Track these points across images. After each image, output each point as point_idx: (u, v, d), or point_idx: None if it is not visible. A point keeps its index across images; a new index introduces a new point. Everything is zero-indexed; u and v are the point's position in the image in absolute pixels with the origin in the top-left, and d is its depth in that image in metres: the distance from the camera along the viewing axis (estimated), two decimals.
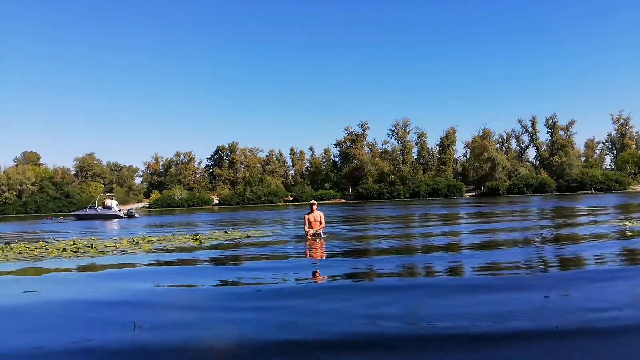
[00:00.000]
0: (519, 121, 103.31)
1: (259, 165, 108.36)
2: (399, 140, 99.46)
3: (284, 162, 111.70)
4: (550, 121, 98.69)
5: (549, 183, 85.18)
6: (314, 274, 6.78)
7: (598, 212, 20.56)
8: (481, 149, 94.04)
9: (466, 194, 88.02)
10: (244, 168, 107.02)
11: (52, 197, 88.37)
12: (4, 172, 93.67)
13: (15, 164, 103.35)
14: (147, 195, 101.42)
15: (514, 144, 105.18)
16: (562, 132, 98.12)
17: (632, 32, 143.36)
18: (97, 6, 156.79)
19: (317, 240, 11.00)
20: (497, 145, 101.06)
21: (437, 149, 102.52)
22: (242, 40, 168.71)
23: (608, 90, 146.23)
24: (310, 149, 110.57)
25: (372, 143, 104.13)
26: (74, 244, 12.68)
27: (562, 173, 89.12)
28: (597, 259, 6.99)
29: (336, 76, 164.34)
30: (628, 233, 10.31)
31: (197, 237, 13.39)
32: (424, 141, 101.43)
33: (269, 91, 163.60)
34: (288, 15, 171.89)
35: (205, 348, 3.52)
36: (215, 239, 12.69)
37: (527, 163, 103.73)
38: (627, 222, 12.93)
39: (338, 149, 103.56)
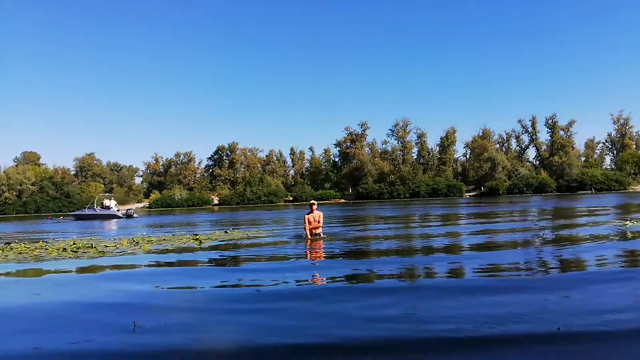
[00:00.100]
0: (519, 121, 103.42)
1: (259, 165, 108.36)
2: (399, 140, 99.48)
3: (284, 162, 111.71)
4: (550, 121, 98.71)
5: (549, 183, 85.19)
6: (314, 275, 6.77)
7: (598, 212, 20.55)
8: (481, 149, 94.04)
9: (466, 194, 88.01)
10: (244, 168, 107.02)
11: (52, 197, 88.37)
12: (4, 172, 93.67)
13: (15, 164, 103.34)
14: (147, 195, 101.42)
15: (514, 144, 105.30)
16: (562, 132, 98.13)
17: (632, 32, 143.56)
18: (97, 6, 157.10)
19: (317, 241, 10.99)
20: (497, 145, 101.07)
21: (437, 149, 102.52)
22: (242, 40, 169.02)
23: (608, 90, 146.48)
24: (310, 149, 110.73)
25: (372, 143, 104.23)
26: (74, 244, 12.68)
27: (562, 173, 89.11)
28: (598, 260, 6.98)
29: (336, 76, 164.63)
30: (629, 234, 10.30)
31: (197, 237, 13.39)
32: (424, 141, 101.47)
33: (269, 91, 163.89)
34: (288, 15, 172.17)
35: (205, 350, 3.51)
36: (215, 239, 12.68)
37: (527, 163, 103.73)
38: (628, 222, 12.93)
39: (338, 149, 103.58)
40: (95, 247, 11.64)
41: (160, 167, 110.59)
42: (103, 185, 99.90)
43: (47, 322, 4.52)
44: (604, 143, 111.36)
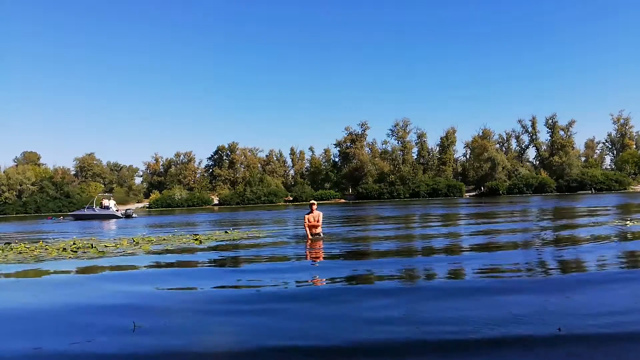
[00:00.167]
0: (519, 121, 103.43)
1: (259, 165, 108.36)
2: (399, 140, 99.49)
3: (284, 162, 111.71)
4: (550, 121, 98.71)
5: (549, 183, 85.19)
6: (313, 276, 6.76)
7: (598, 212, 20.54)
8: (481, 149, 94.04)
9: (466, 194, 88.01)
10: (244, 168, 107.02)
11: (52, 197, 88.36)
12: (4, 172, 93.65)
13: (15, 164, 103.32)
14: (147, 195, 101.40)
15: (514, 144, 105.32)
16: (562, 132, 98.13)
17: (632, 32, 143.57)
18: (97, 6, 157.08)
19: (317, 241, 10.98)
20: (497, 145, 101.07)
21: (437, 149, 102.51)
22: (242, 40, 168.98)
23: (608, 90, 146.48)
24: (310, 149, 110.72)
25: (372, 143, 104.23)
26: (74, 244, 12.67)
27: (562, 173, 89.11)
28: (599, 261, 6.97)
29: (336, 76, 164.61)
30: (629, 235, 10.29)
31: (197, 237, 13.38)
32: (424, 141, 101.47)
33: (269, 91, 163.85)
34: (288, 15, 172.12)
35: (205, 352, 3.50)
36: (215, 239, 12.68)
37: (527, 163, 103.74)
38: (628, 222, 12.92)
39: (338, 149, 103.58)
40: (95, 247, 11.63)
41: (160, 167, 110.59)
42: (103, 185, 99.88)
43: (47, 323, 4.52)
44: (604, 143, 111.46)
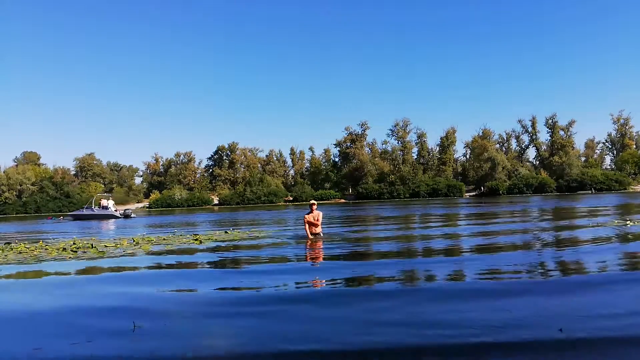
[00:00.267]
0: (519, 121, 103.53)
1: (259, 165, 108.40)
2: (399, 140, 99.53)
3: (284, 162, 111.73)
4: (550, 121, 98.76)
5: (549, 183, 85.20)
6: (314, 278, 6.75)
7: (599, 212, 20.53)
8: (481, 149, 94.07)
9: (466, 194, 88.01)
10: (244, 168, 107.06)
11: (52, 197, 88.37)
12: (4, 172, 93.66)
13: (15, 164, 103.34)
14: (147, 195, 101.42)
15: (514, 144, 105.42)
16: (562, 132, 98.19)
17: (632, 32, 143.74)
18: (97, 6, 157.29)
19: (317, 241, 10.97)
20: (497, 145, 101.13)
21: (437, 149, 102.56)
22: (242, 40, 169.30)
23: (608, 90, 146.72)
24: (310, 149, 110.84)
25: (372, 143, 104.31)
26: (73, 244, 12.66)
27: (562, 173, 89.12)
28: (599, 262, 6.94)
29: (336, 76, 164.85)
30: (630, 235, 10.27)
31: (197, 237, 13.37)
32: (424, 141, 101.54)
33: (269, 91, 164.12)
34: (288, 15, 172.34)
35: (205, 354, 3.49)
36: (216, 240, 12.67)
37: (527, 163, 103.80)
38: (629, 223, 12.90)
39: (338, 149, 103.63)
40: (95, 247, 11.62)
41: (160, 167, 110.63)
42: (103, 185, 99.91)
43: (46, 323, 4.51)
44: (604, 143, 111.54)
